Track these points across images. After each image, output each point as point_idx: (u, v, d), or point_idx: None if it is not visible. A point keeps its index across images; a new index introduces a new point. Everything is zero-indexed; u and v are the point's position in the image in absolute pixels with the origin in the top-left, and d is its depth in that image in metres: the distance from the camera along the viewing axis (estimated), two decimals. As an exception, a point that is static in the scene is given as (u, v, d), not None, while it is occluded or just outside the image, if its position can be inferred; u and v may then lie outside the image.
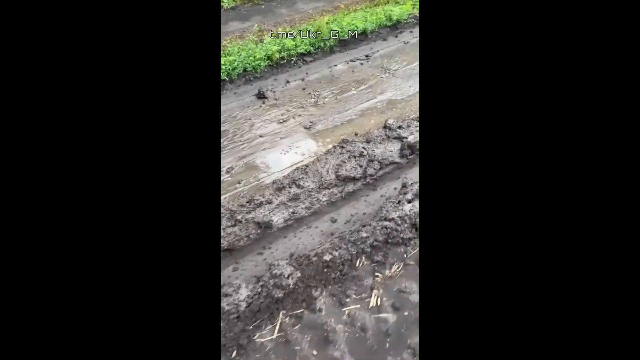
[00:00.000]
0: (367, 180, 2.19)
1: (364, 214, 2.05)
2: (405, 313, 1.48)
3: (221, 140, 2.55)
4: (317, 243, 1.86)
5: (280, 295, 1.49)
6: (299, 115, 2.77)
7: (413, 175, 2.24)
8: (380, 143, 2.42)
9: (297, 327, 1.46)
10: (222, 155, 2.43)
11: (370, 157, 2.28)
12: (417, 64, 3.29)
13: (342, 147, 2.40)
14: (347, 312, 1.50)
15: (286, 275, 1.53)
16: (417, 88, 2.98)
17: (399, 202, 1.87)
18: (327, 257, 1.62)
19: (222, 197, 2.14)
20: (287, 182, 2.15)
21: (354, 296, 1.56)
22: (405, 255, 1.69)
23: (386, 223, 1.76)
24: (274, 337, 1.43)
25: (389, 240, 1.72)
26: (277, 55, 3.28)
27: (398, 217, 1.77)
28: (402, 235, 1.73)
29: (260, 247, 1.88)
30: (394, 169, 2.28)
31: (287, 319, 1.47)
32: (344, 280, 1.60)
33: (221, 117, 2.75)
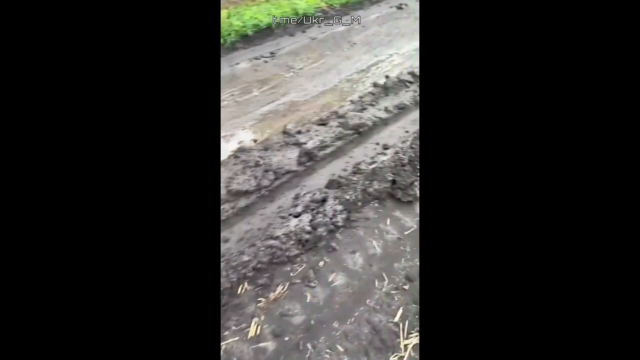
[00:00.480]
0: (262, 193, 2.08)
1: (259, 229, 1.95)
2: (286, 338, 1.43)
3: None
4: (202, 269, 1.72)
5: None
6: (193, 122, 2.54)
7: (312, 182, 2.19)
8: (278, 150, 2.33)
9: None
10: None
11: (266, 166, 2.17)
12: (323, 61, 3.24)
13: (237, 157, 2.25)
14: (223, 347, 1.40)
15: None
16: (321, 88, 2.92)
17: (286, 217, 1.80)
18: (204, 289, 1.48)
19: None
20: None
21: (234, 327, 1.46)
22: (291, 274, 1.64)
23: (271, 242, 1.68)
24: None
25: (274, 261, 1.64)
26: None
27: (283, 234, 1.70)
28: (287, 253, 1.66)
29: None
30: (291, 177, 2.20)
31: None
32: (224, 312, 1.50)
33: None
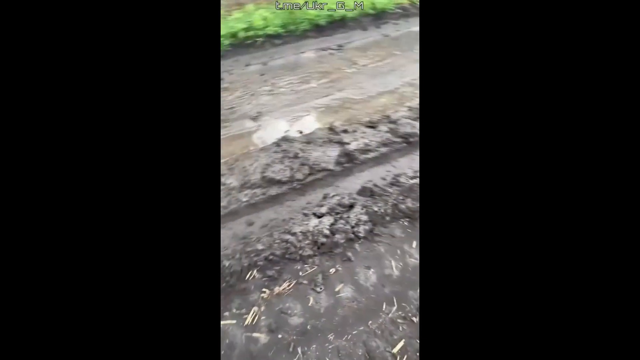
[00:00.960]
0: (294, 185, 2.08)
1: (284, 220, 1.96)
2: (279, 336, 1.43)
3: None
4: (222, 247, 1.80)
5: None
6: (248, 104, 2.63)
7: (347, 184, 2.13)
8: (320, 146, 2.30)
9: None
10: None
11: (303, 160, 2.16)
12: (389, 60, 3.08)
13: (279, 145, 2.28)
14: (220, 326, 1.45)
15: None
16: (380, 88, 2.79)
17: (308, 215, 1.78)
18: (215, 267, 1.55)
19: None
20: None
21: (235, 310, 1.50)
22: (300, 273, 1.62)
23: (287, 237, 1.68)
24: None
25: (287, 256, 1.64)
26: (243, 34, 3.08)
27: (301, 232, 1.69)
28: (301, 252, 1.65)
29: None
30: (326, 175, 2.16)
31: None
32: (229, 293, 1.55)
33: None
